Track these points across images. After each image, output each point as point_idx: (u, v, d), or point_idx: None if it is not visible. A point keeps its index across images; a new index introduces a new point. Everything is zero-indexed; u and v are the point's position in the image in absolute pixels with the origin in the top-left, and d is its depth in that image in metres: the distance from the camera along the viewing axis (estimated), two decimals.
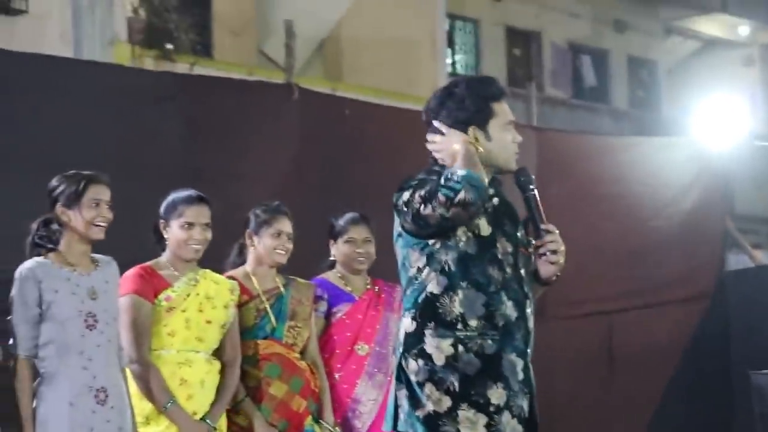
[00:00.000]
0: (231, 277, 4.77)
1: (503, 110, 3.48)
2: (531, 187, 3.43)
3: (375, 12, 16.86)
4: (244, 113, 6.41)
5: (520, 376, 3.36)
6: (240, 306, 4.73)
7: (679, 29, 22.38)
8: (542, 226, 3.41)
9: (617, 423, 8.17)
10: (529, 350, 3.40)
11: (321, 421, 4.84)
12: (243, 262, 4.90)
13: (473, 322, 3.33)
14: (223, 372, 4.56)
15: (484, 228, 3.37)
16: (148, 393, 4.36)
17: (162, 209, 4.56)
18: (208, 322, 4.51)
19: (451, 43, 18.81)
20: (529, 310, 3.42)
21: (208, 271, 4.60)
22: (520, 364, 3.37)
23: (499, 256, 3.37)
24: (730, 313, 9.27)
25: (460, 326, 3.33)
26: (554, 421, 7.68)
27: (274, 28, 15.78)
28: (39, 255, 4.08)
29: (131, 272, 4.46)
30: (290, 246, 4.84)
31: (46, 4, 13.19)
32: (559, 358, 7.95)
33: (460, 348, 3.32)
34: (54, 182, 4.13)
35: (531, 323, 3.42)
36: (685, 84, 21.77)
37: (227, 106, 6.36)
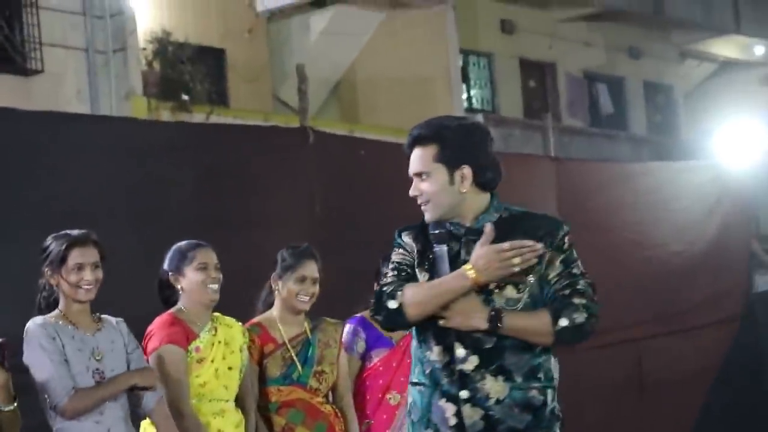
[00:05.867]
0: (257, 324, 4.74)
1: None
2: (434, 245, 3.43)
3: (388, 52, 16.94)
4: (260, 159, 6.41)
5: (451, 421, 3.36)
6: (266, 355, 4.70)
7: (694, 53, 22.35)
8: None
9: None
10: (463, 394, 3.35)
11: None
12: (271, 305, 4.85)
13: (416, 370, 3.48)
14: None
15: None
16: None
17: (169, 262, 4.53)
18: (230, 368, 4.49)
19: (465, 78, 18.85)
20: (460, 353, 3.37)
21: (219, 315, 4.57)
22: (450, 409, 3.37)
23: None
24: (761, 335, 9.18)
25: (413, 375, 3.50)
26: None
27: (288, 73, 15.88)
28: (46, 312, 4.08)
29: (160, 321, 4.43)
30: (315, 290, 4.78)
31: (61, 63, 13.33)
32: (588, 389, 7.87)
33: (411, 397, 3.49)
34: (45, 243, 4.12)
35: (466, 365, 3.36)
36: (703, 107, 21.72)
37: (243, 152, 6.36)
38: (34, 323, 4.00)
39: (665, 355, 8.48)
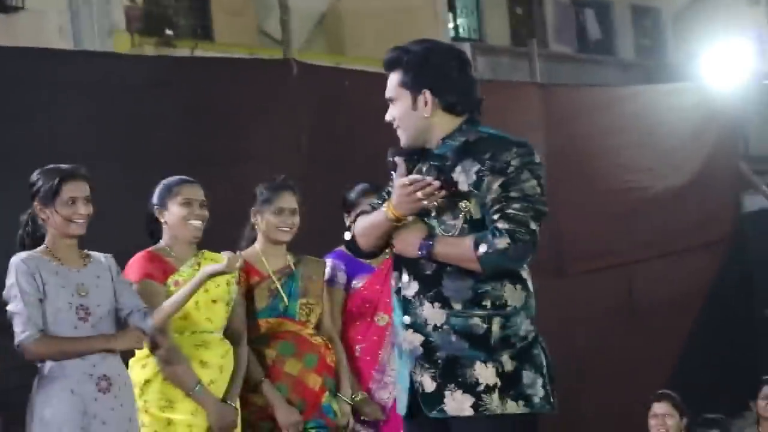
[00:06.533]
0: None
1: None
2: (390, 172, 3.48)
3: None
4: (243, 93, 6.35)
5: (403, 345, 3.43)
6: (252, 287, 4.72)
7: None
8: None
9: (642, 374, 8.15)
10: (405, 319, 3.40)
11: (338, 395, 4.82)
12: (254, 241, 4.87)
13: None
14: (232, 351, 4.56)
15: None
16: (174, 377, 4.36)
17: (155, 196, 4.55)
18: (214, 301, 4.50)
19: (452, 7, 18.68)
20: (404, 278, 3.42)
21: (206, 251, 4.58)
22: (401, 333, 3.43)
23: None
24: (751, 255, 9.24)
25: None
26: (579, 375, 7.67)
27: (272, 6, 15.69)
28: (29, 248, 4.05)
29: (137, 258, 4.45)
30: (295, 221, 4.80)
31: None
32: (580, 313, 7.93)
33: None
34: (33, 177, 4.09)
35: (407, 291, 3.41)
36: (691, 29, 21.56)
37: (226, 86, 6.30)
38: (17, 258, 3.98)
39: (655, 279, 8.52)
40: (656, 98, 9.07)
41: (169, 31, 13.67)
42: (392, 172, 3.43)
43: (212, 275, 4.30)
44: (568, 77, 16.05)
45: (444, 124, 3.43)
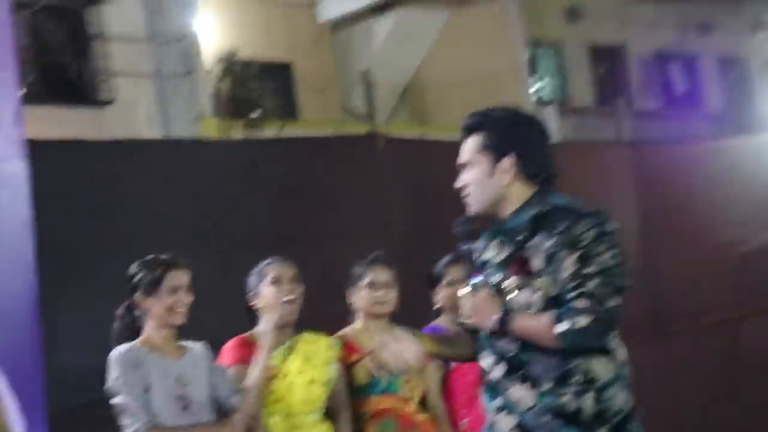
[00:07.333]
0: (340, 336, 4.70)
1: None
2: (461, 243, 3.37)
3: (454, 51, 16.85)
4: (331, 170, 6.36)
5: (495, 428, 3.30)
6: (352, 364, 4.66)
7: (767, 24, 21.89)
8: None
9: None
10: (496, 402, 3.27)
11: None
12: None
13: None
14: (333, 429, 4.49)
15: None
16: None
17: (248, 285, 4.53)
18: (311, 382, 4.45)
19: (534, 71, 18.67)
20: (490, 360, 3.30)
21: (304, 333, 4.53)
22: (492, 416, 3.30)
23: None
24: None
25: None
26: None
27: (355, 81, 15.88)
28: (125, 341, 4.05)
29: (229, 344, 4.44)
30: (389, 295, 4.73)
31: (132, 91, 13.50)
32: (686, 374, 7.71)
33: None
34: (133, 269, 4.11)
35: (495, 373, 3.28)
36: None
37: (313, 165, 6.32)
38: (117, 351, 3.99)
39: (763, 334, 8.26)
40: (749, 150, 8.89)
41: (254, 114, 13.88)
42: (462, 242, 3.32)
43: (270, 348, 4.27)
44: (656, 133, 15.87)
45: (519, 193, 3.28)
